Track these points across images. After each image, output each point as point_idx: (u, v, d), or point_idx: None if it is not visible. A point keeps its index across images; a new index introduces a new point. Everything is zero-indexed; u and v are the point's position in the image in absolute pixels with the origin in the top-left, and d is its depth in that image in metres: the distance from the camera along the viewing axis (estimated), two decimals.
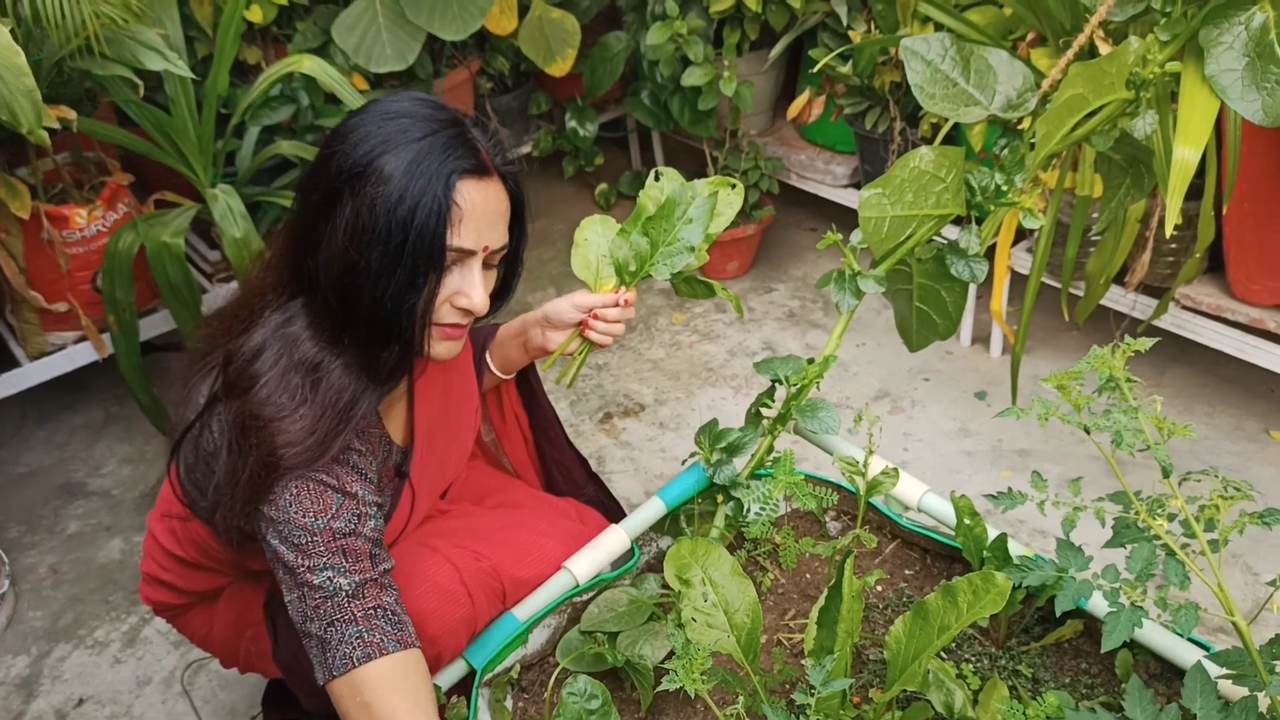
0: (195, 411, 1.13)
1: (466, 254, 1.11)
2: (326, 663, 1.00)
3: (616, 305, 1.39)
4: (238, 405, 1.07)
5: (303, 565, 1.02)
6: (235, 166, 2.32)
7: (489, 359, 1.49)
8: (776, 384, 1.47)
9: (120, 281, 2.07)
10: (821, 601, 1.09)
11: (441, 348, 1.15)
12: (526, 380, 1.58)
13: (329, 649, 1.00)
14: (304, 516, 1.03)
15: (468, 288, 1.12)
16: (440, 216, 1.05)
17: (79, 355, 2.22)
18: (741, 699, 0.86)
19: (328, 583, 1.02)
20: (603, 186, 3.13)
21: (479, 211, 1.09)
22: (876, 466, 1.34)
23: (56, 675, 1.85)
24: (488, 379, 1.52)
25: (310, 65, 2.06)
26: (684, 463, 1.51)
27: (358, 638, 1.00)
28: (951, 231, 1.46)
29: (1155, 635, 1.19)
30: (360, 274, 1.06)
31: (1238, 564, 1.81)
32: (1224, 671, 1.04)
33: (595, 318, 1.39)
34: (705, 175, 2.74)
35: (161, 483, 1.36)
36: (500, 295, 1.28)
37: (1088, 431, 1.05)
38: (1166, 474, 1.02)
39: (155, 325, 2.29)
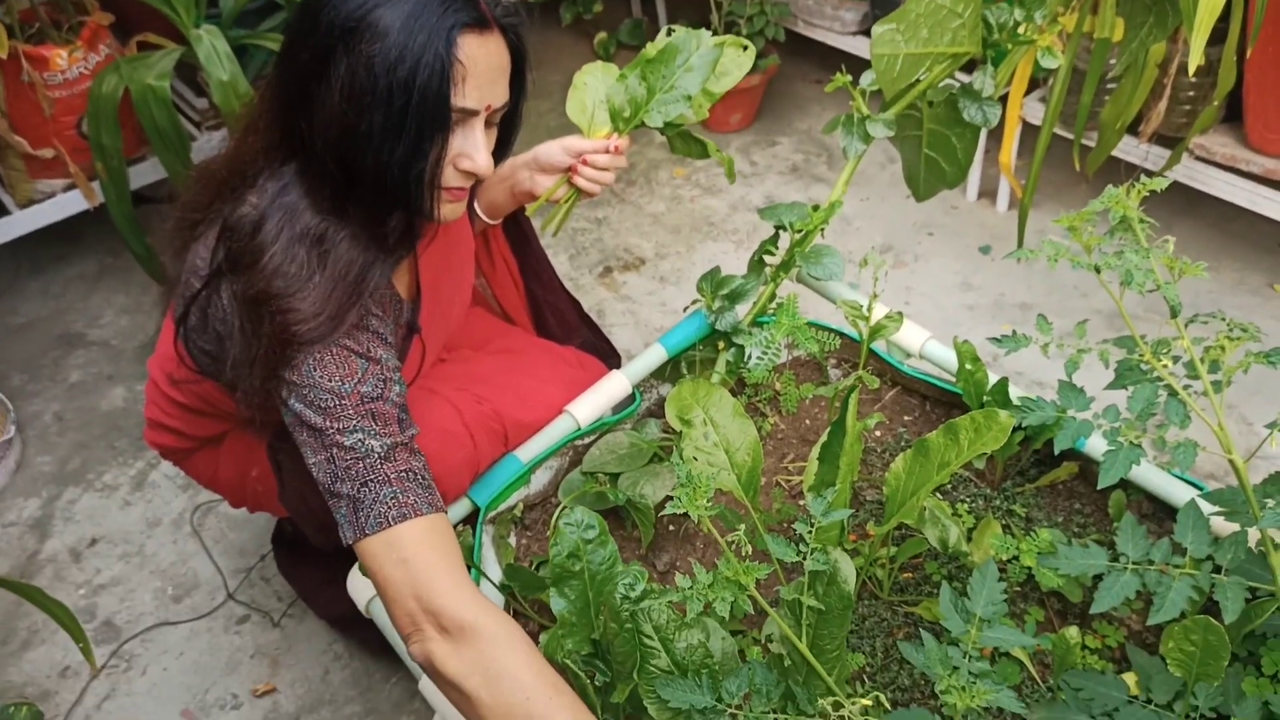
0: (194, 276, 1.10)
1: (469, 114, 1.06)
2: (358, 522, 1.00)
3: (608, 152, 1.36)
4: (245, 281, 1.04)
5: (332, 428, 1.01)
6: (219, 8, 2.22)
7: (476, 204, 1.46)
8: (780, 230, 1.45)
9: (106, 127, 2.01)
10: (824, 439, 1.10)
11: (448, 209, 1.12)
12: (517, 225, 1.54)
13: (361, 508, 1.00)
14: (329, 381, 1.02)
15: (471, 150, 1.07)
16: (443, 76, 1.00)
17: (69, 204, 2.18)
18: (743, 528, 0.87)
19: (359, 444, 1.01)
20: (602, 35, 3.01)
21: (481, 69, 1.04)
22: (880, 311, 1.33)
23: (68, 517, 1.89)
24: (475, 224, 1.49)
25: None
26: (685, 310, 1.50)
27: (392, 498, 0.99)
28: (964, 79, 1.41)
29: (1150, 475, 1.21)
30: (361, 139, 1.01)
31: (1233, 415, 1.82)
32: (1216, 509, 1.06)
33: (585, 163, 1.36)
34: (709, 23, 2.63)
35: (159, 334, 1.34)
36: (498, 153, 1.24)
37: (1098, 271, 1.04)
38: (1175, 314, 1.01)
39: (145, 174, 2.24)
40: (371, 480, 1.00)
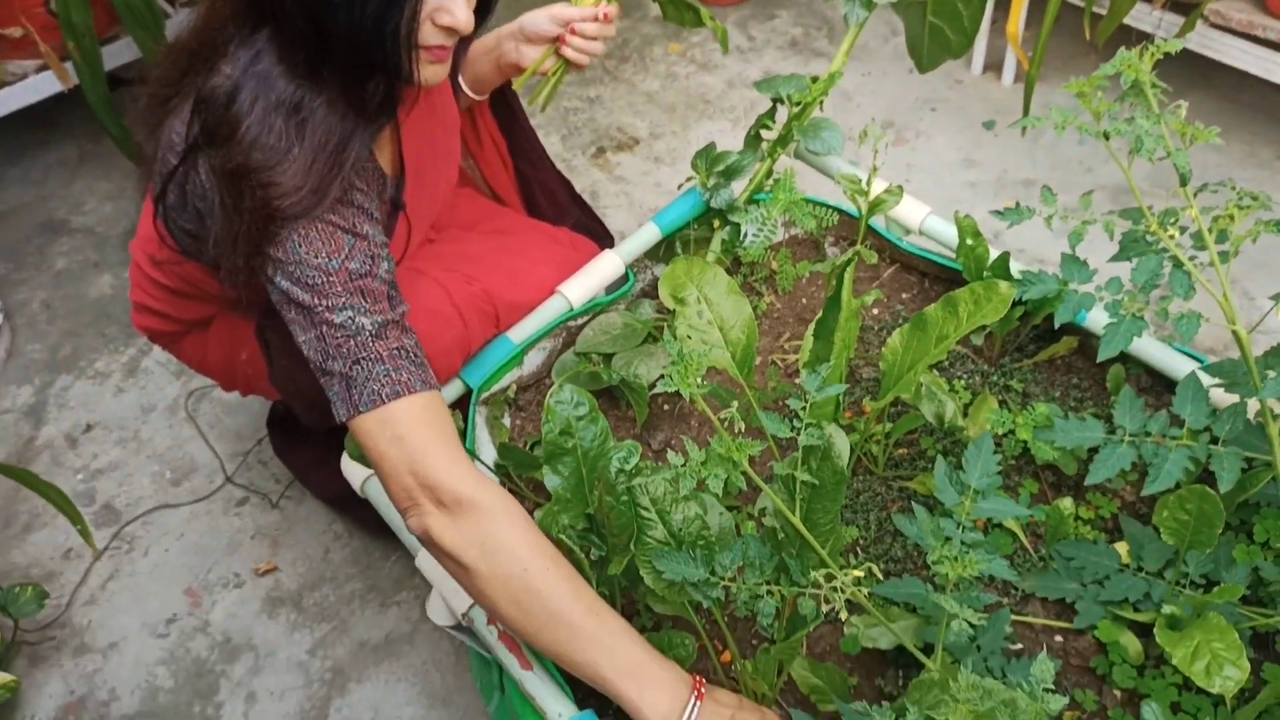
0: (170, 152, 1.06)
1: None
2: (352, 399, 0.98)
3: (596, 20, 1.29)
4: (222, 154, 0.99)
5: (321, 305, 0.99)
6: None
7: (460, 78, 1.40)
8: (777, 104, 1.40)
9: (75, 2, 1.92)
10: (819, 315, 1.08)
11: (429, 71, 1.07)
12: (504, 101, 1.49)
13: (354, 386, 0.98)
14: (316, 257, 0.99)
15: (449, 3, 1.02)
16: None
17: (42, 86, 2.10)
18: (736, 404, 0.86)
19: (349, 322, 0.98)
20: None
21: None
22: (879, 186, 1.29)
23: (62, 404, 1.89)
24: (460, 100, 1.44)
25: None
26: (679, 188, 1.46)
27: (385, 376, 0.98)
28: None
29: (1151, 348, 1.19)
30: None
31: (1236, 289, 1.80)
32: (1216, 381, 1.04)
33: (573, 33, 1.30)
34: None
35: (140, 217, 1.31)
36: (479, 15, 1.18)
37: (1107, 138, 1.00)
38: (1184, 182, 0.98)
39: (119, 54, 2.15)
40: (364, 358, 0.98)
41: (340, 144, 1.02)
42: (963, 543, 0.91)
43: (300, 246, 0.98)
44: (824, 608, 0.85)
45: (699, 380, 0.83)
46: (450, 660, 1.52)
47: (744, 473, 0.84)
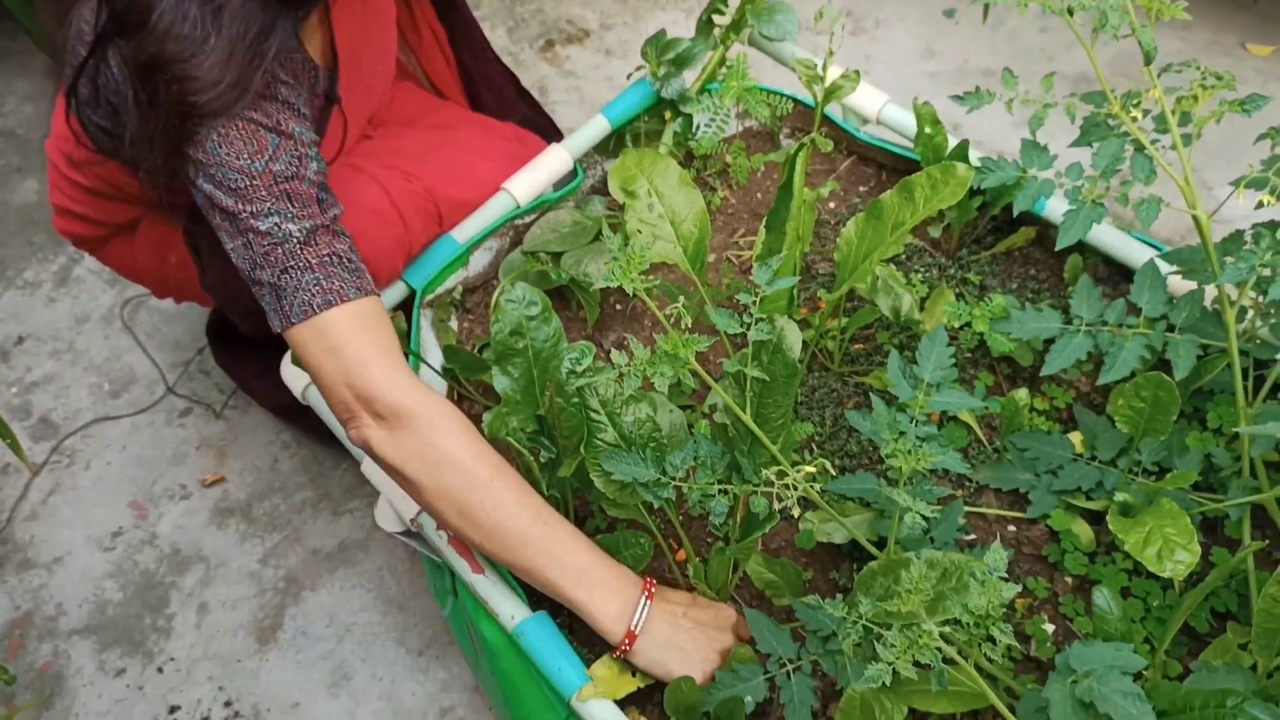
0: (79, 42, 0.98)
1: None
2: (283, 310, 0.94)
3: None
4: (133, 45, 0.92)
5: (245, 211, 0.93)
6: None
7: None
8: None
9: None
10: (772, 207, 1.04)
11: None
12: None
13: (284, 296, 0.93)
14: (238, 159, 0.92)
15: None
16: None
17: None
18: (684, 299, 0.83)
19: (275, 229, 0.93)
20: None
21: None
22: (835, 72, 1.24)
23: None
24: None
25: None
26: (629, 77, 1.40)
27: (315, 285, 0.93)
28: None
29: (1109, 237, 1.17)
30: None
31: (1195, 179, 1.78)
32: (1174, 269, 1.03)
33: None
34: None
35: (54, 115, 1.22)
36: None
37: (1070, 13, 0.95)
38: (1149, 60, 0.94)
39: None
40: (292, 267, 0.93)
41: (261, 33, 0.94)
42: (916, 437, 0.89)
43: (220, 147, 0.92)
44: (776, 505, 0.83)
45: (643, 274, 0.79)
46: (405, 566, 1.50)
47: (692, 370, 0.81)
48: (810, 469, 0.82)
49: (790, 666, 0.91)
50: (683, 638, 0.93)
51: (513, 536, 0.91)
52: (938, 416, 1.12)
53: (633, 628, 0.91)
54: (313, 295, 0.93)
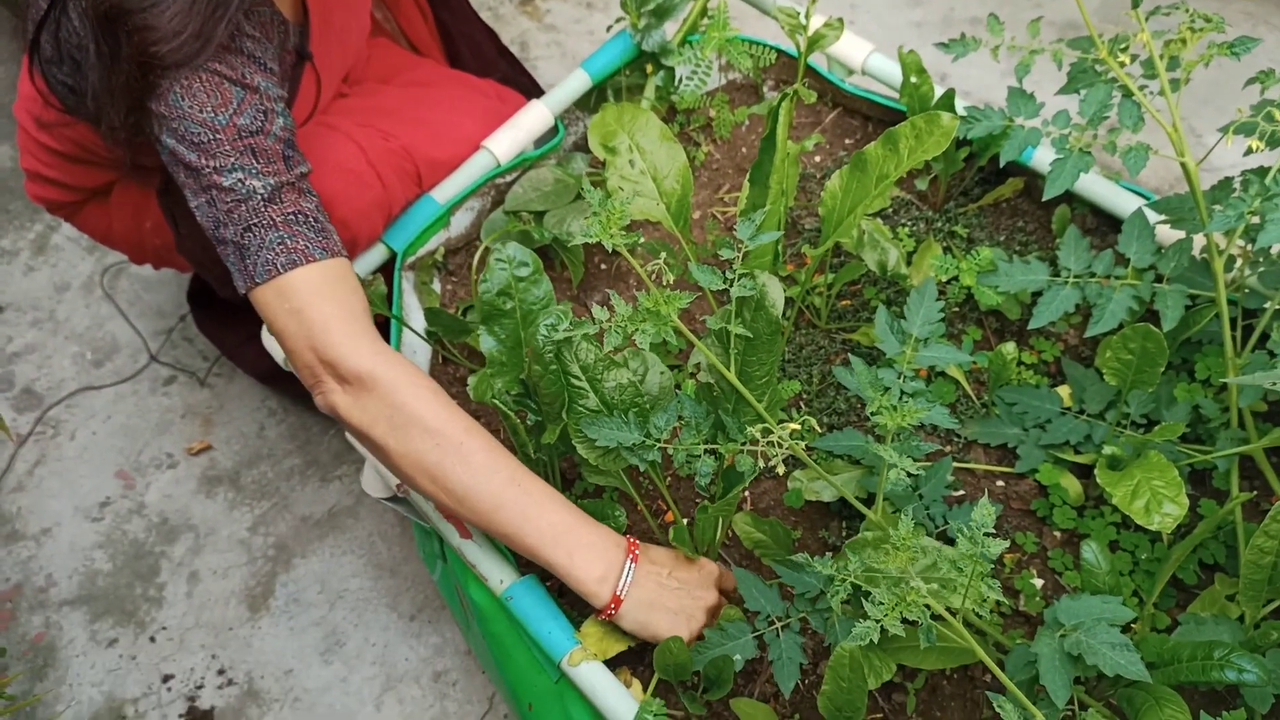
0: None
1: None
2: (247, 270, 0.92)
3: None
4: None
5: (208, 166, 0.91)
6: None
7: None
8: None
9: None
10: (756, 160, 1.02)
11: None
12: None
13: (248, 255, 0.91)
14: (201, 112, 0.90)
15: None
16: None
17: None
18: (665, 254, 0.81)
19: (239, 185, 0.91)
20: None
21: None
22: (818, 21, 1.21)
23: None
24: None
25: None
26: (609, 30, 1.37)
27: (279, 244, 0.91)
28: None
29: (1097, 186, 1.16)
30: None
31: (1183, 126, 1.76)
32: (1162, 218, 1.01)
33: None
34: None
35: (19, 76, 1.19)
36: None
37: None
38: (1136, 3, 0.92)
39: None
40: (255, 225, 0.91)
41: None
42: (903, 392, 0.88)
43: (183, 99, 0.89)
44: (762, 464, 0.82)
45: (626, 230, 0.78)
46: (395, 531, 1.50)
47: (676, 329, 0.80)
48: (795, 425, 0.81)
49: (779, 625, 0.91)
50: (669, 598, 0.92)
51: (486, 499, 0.90)
52: (926, 371, 1.11)
53: (618, 591, 0.91)
54: (276, 254, 0.91)
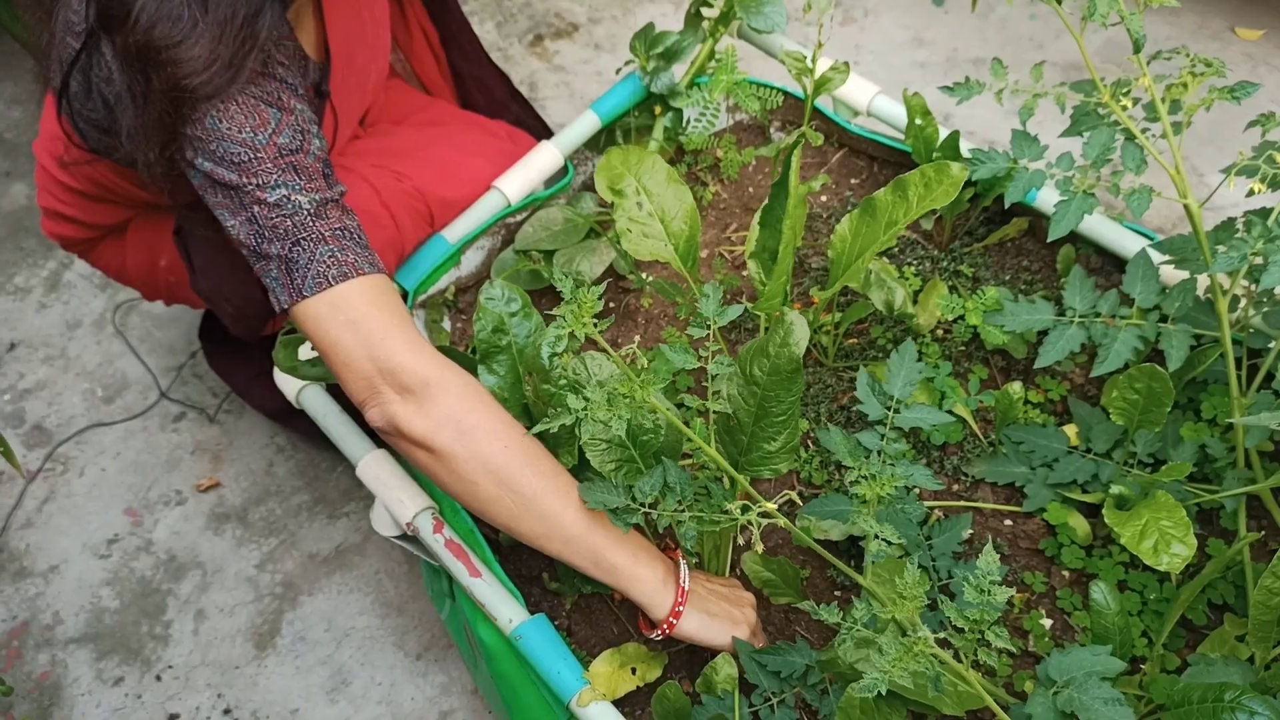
0: (70, 34, 0.97)
1: None
2: (294, 283, 0.91)
3: None
4: (122, 37, 0.90)
5: (250, 184, 0.90)
6: None
7: None
8: None
9: None
10: (766, 203, 1.03)
11: None
12: None
13: (296, 269, 0.90)
14: (240, 132, 0.90)
15: None
16: None
17: None
18: (681, 304, 0.82)
19: (285, 200, 0.90)
20: None
21: None
22: (825, 64, 1.23)
23: None
24: None
25: None
26: (618, 72, 1.39)
27: (330, 257, 0.90)
28: None
29: (1101, 227, 1.17)
30: None
31: (1185, 166, 1.78)
32: (1166, 258, 1.02)
33: None
34: None
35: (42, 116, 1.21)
36: None
37: (1059, 1, 0.95)
38: (1138, 48, 0.94)
39: None
40: (304, 238, 0.90)
41: (250, 17, 0.92)
42: (886, 453, 0.89)
43: (221, 122, 0.90)
44: (741, 540, 0.83)
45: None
46: (403, 569, 1.50)
47: (653, 408, 0.79)
48: (770, 506, 0.79)
49: (774, 700, 0.92)
50: (717, 602, 0.95)
51: (555, 501, 0.89)
52: None
53: (682, 584, 0.92)
54: (327, 267, 0.90)
